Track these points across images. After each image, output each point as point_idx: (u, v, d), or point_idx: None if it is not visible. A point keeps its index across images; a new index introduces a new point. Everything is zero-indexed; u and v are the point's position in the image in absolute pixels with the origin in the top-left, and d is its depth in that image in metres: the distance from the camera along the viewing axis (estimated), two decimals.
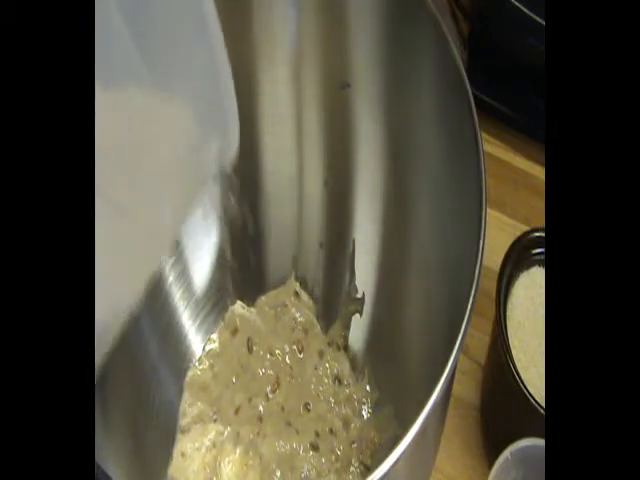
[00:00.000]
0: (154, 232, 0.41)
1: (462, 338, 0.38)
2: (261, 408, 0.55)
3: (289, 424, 0.54)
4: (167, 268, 0.55)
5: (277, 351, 0.56)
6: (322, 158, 0.59)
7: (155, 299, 0.54)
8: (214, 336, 0.57)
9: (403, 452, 0.35)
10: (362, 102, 0.59)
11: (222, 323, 0.58)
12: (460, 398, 0.57)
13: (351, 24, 0.54)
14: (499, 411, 0.55)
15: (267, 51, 0.58)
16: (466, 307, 0.38)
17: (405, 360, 0.52)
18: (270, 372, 0.56)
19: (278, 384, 0.55)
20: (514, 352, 0.51)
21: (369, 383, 0.55)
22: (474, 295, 0.39)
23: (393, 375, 0.54)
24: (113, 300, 0.38)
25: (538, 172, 0.66)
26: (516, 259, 0.54)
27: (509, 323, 0.52)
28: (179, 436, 0.54)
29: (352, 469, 0.53)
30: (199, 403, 0.54)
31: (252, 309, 0.58)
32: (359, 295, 0.57)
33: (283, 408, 0.54)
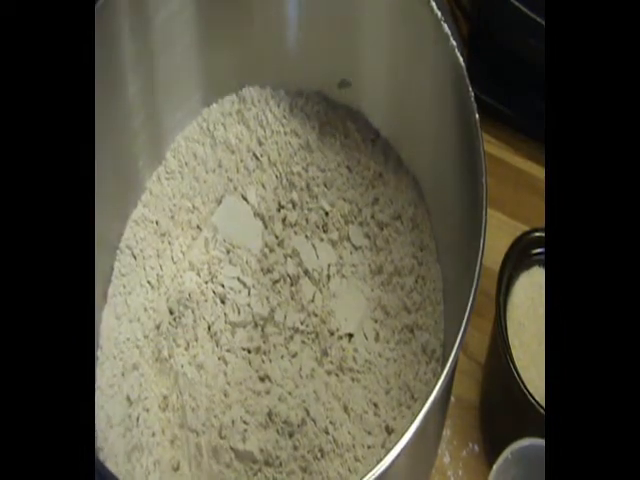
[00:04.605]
0: None
1: (462, 338, 0.38)
2: None
3: None
4: None
5: None
6: None
7: None
8: None
9: (404, 448, 0.35)
10: (362, 101, 0.59)
11: None
12: (460, 398, 0.57)
13: (353, 23, 0.54)
14: (499, 411, 0.55)
15: (269, 50, 0.58)
16: (466, 307, 0.39)
17: None
18: None
19: None
20: (514, 352, 0.51)
21: None
22: (474, 295, 0.39)
23: None
24: None
25: (538, 172, 0.66)
26: (516, 259, 0.54)
27: (509, 323, 0.52)
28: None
29: None
30: None
31: None
32: None
33: None
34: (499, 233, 0.57)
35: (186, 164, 0.58)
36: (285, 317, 0.53)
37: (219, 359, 0.52)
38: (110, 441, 0.48)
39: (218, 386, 0.51)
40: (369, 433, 0.50)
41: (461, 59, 0.45)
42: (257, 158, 0.59)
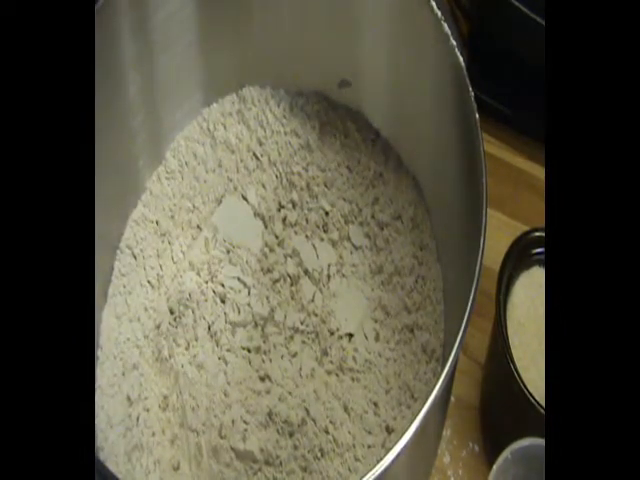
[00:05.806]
0: None
1: (462, 338, 0.38)
2: None
3: None
4: None
5: None
6: None
7: None
8: None
9: (404, 447, 0.35)
10: (362, 101, 0.59)
11: None
12: (460, 398, 0.57)
13: (353, 23, 0.54)
14: (499, 411, 0.55)
15: (269, 50, 0.58)
16: (466, 307, 0.39)
17: None
18: None
19: None
20: (514, 352, 0.51)
21: None
22: (474, 295, 0.39)
23: None
24: None
25: (538, 172, 0.66)
26: (516, 259, 0.54)
27: (509, 323, 0.52)
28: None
29: None
30: None
31: None
32: None
33: None
34: (499, 233, 0.57)
35: (186, 164, 0.58)
36: (285, 317, 0.53)
37: (219, 359, 0.52)
38: (110, 441, 0.48)
39: (218, 386, 0.51)
40: (369, 433, 0.50)
41: (461, 59, 0.45)
42: (257, 158, 0.59)
